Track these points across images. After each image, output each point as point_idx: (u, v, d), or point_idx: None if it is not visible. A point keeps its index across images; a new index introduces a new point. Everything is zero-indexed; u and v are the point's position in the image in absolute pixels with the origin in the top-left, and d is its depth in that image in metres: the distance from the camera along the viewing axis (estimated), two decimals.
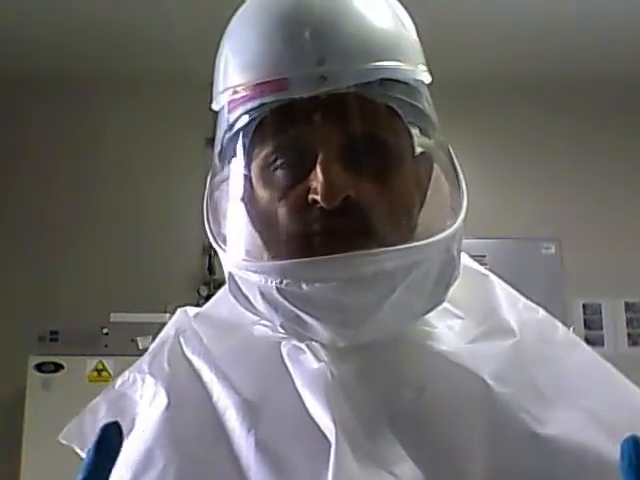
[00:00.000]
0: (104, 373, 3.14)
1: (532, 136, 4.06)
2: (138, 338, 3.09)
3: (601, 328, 3.99)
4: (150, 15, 3.44)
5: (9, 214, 3.96)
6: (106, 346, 3.18)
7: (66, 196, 3.99)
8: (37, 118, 4.07)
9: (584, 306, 4.00)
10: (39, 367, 3.18)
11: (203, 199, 0.68)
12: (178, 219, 3.98)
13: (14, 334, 3.52)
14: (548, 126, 4.09)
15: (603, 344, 3.87)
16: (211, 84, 0.67)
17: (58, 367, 3.18)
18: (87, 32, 3.57)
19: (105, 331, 3.21)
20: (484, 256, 3.58)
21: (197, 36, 3.60)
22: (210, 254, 3.88)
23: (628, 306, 4.04)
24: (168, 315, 3.25)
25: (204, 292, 3.78)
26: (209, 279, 3.87)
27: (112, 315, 3.31)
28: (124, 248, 3.90)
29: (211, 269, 3.87)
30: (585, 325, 3.96)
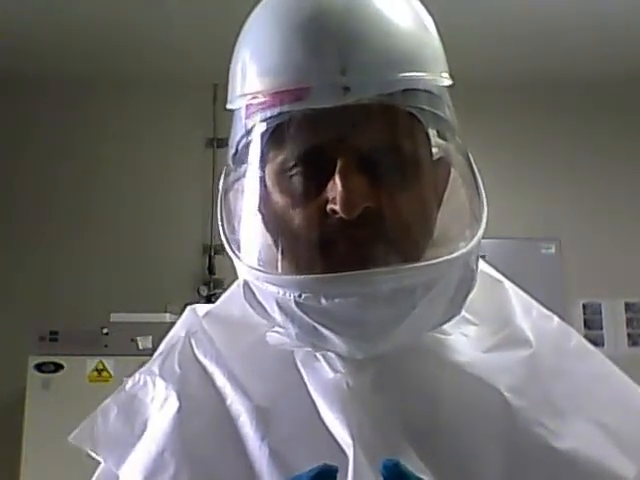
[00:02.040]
0: (104, 373, 3.14)
1: (532, 136, 4.06)
2: (138, 338, 3.08)
3: (601, 328, 3.98)
4: (150, 15, 3.44)
5: (9, 214, 3.96)
6: (106, 346, 3.17)
7: (66, 196, 3.99)
8: (37, 118, 4.06)
9: (584, 306, 4.00)
10: (39, 367, 3.17)
11: (217, 203, 0.67)
12: (178, 219, 3.98)
13: (14, 334, 3.52)
14: (548, 126, 4.09)
15: (603, 344, 3.87)
16: (226, 84, 0.66)
17: (58, 367, 3.17)
18: (87, 32, 3.57)
19: (105, 331, 3.20)
20: (484, 256, 3.56)
21: (197, 36, 3.61)
22: (210, 254, 3.88)
23: (628, 306, 4.04)
24: (168, 315, 3.25)
25: (204, 292, 3.78)
26: (209, 279, 3.87)
27: (112, 315, 3.30)
28: (124, 248, 3.90)
29: (211, 269, 3.87)
30: (585, 325, 3.96)
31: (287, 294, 0.58)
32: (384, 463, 0.50)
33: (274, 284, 0.59)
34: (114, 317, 3.30)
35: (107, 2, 3.31)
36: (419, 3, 0.66)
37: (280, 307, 0.60)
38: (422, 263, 0.58)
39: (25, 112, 4.06)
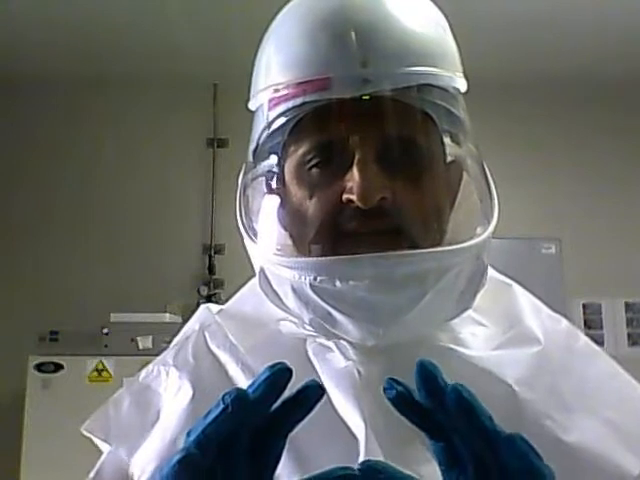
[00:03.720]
0: (104, 373, 3.14)
1: (532, 135, 4.06)
2: (138, 338, 3.08)
3: (601, 328, 3.99)
4: (152, 16, 3.44)
5: (10, 214, 3.96)
6: (106, 346, 3.18)
7: (66, 196, 3.99)
8: (38, 118, 4.07)
9: (584, 306, 4.01)
10: (39, 367, 3.18)
11: (235, 194, 0.69)
12: (178, 219, 3.98)
13: (14, 334, 3.52)
14: (548, 125, 4.10)
15: (603, 344, 3.88)
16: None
17: (58, 367, 3.17)
18: (87, 32, 3.57)
19: (105, 331, 3.20)
20: None
21: (197, 36, 3.61)
22: (210, 254, 3.89)
23: (628, 306, 4.04)
24: (168, 315, 3.25)
25: (204, 292, 3.78)
26: (209, 279, 3.87)
27: (112, 315, 3.31)
28: (124, 248, 3.90)
29: (211, 269, 3.87)
30: (585, 325, 3.96)
31: (302, 277, 0.60)
32: (363, 464, 0.48)
33: (290, 267, 0.61)
34: (114, 317, 3.30)
35: (107, 2, 3.31)
36: (436, 8, 0.69)
37: (295, 292, 0.62)
38: (435, 249, 0.60)
39: (25, 112, 4.07)
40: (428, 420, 0.47)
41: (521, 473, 0.44)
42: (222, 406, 0.45)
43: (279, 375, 0.46)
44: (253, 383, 0.46)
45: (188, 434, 0.46)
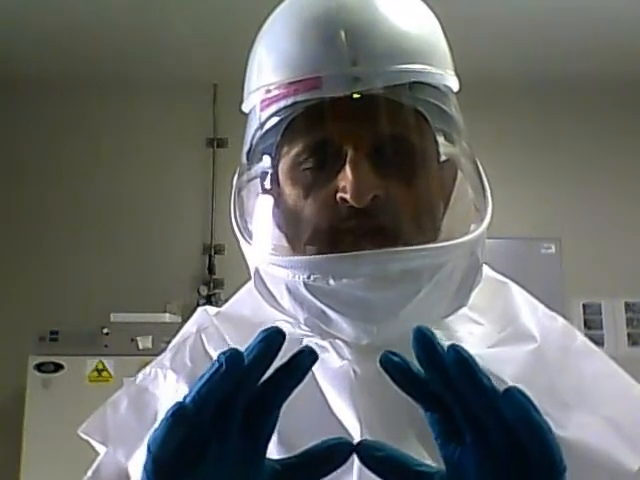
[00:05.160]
0: (104, 373, 3.14)
1: (532, 135, 4.06)
2: (138, 338, 3.08)
3: (601, 328, 3.99)
4: (151, 15, 3.44)
5: (9, 215, 3.96)
6: (106, 346, 3.18)
7: (66, 196, 3.99)
8: (37, 118, 4.07)
9: (584, 306, 4.00)
10: (39, 367, 3.18)
11: (230, 196, 0.69)
12: (178, 219, 3.98)
13: (14, 334, 3.52)
14: (548, 125, 4.10)
15: (603, 344, 3.88)
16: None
17: (58, 367, 3.17)
18: (88, 33, 3.57)
19: (105, 331, 3.20)
20: None
21: (197, 36, 3.61)
22: (210, 254, 3.89)
23: (628, 306, 4.04)
24: (168, 315, 3.25)
25: (204, 292, 3.78)
26: (209, 279, 3.87)
27: (112, 315, 3.31)
28: (124, 248, 3.90)
29: (211, 269, 3.87)
30: (585, 325, 3.96)
31: (296, 276, 0.60)
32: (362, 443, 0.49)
33: (284, 267, 0.61)
34: (114, 317, 3.31)
35: (108, 2, 3.31)
36: (427, 7, 0.69)
37: (289, 291, 0.62)
38: (429, 245, 0.60)
39: (25, 112, 4.07)
40: (424, 391, 0.47)
41: (519, 425, 0.44)
42: (217, 365, 0.45)
43: (273, 337, 0.47)
44: (248, 347, 0.46)
45: (184, 398, 0.45)
